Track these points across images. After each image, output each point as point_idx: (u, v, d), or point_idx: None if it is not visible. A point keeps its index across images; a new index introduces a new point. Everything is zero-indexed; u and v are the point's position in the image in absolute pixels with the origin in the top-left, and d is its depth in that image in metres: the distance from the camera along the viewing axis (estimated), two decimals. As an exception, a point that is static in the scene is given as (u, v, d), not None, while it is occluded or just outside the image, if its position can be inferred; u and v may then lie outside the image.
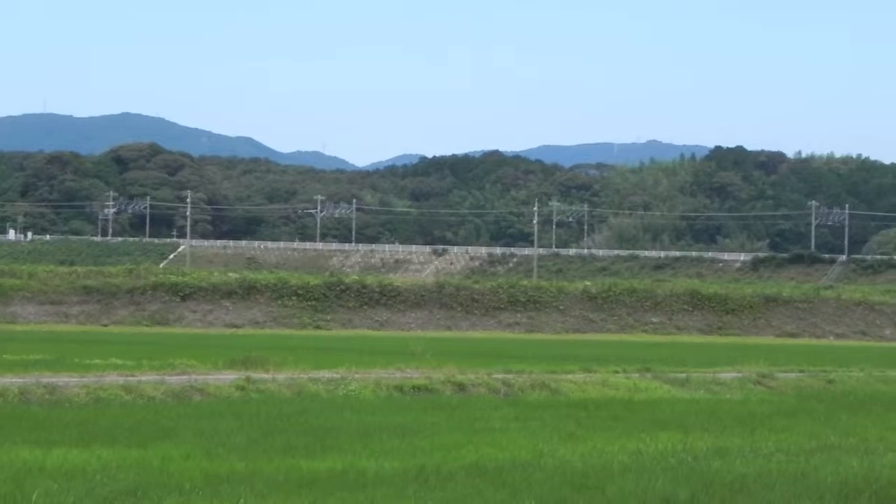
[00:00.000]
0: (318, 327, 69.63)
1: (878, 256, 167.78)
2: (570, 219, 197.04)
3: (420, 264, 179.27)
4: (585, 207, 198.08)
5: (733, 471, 15.25)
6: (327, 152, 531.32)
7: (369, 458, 15.67)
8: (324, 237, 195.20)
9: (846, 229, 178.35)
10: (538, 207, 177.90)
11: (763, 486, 14.23)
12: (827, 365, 38.33)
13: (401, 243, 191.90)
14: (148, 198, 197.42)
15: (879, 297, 79.39)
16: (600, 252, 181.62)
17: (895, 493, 14.10)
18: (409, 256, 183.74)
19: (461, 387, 27.81)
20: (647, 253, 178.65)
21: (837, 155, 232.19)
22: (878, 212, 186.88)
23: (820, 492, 13.93)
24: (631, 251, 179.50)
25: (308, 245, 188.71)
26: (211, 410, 21.98)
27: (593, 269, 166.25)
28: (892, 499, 13.96)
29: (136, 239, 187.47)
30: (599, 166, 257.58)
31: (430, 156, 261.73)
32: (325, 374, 28.12)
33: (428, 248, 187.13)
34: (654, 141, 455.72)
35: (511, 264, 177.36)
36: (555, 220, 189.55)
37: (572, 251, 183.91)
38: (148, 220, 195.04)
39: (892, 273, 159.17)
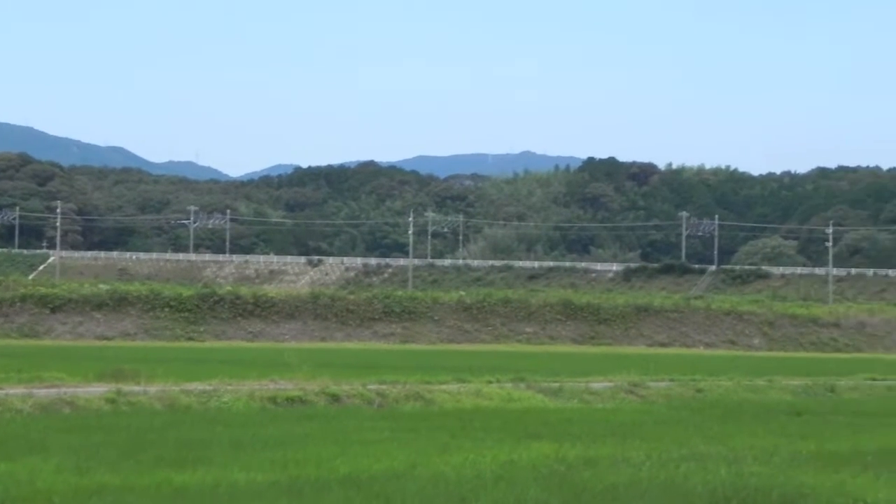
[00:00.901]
0: (191, 339, 68.98)
1: (747, 267, 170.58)
2: (446, 229, 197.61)
3: (295, 275, 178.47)
4: (460, 218, 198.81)
5: (604, 480, 15.41)
6: (201, 162, 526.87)
7: (241, 471, 15.58)
8: (197, 248, 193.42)
9: (716, 240, 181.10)
10: (413, 218, 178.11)
11: (633, 494, 14.40)
12: (697, 374, 38.90)
13: (275, 254, 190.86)
14: (17, 208, 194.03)
15: (748, 307, 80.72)
16: (475, 262, 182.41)
17: (762, 501, 14.36)
18: (283, 267, 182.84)
19: (335, 398, 27.77)
20: (521, 263, 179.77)
21: (707, 166, 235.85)
22: (746, 222, 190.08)
23: (689, 500, 14.15)
24: (505, 261, 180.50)
25: (181, 256, 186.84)
26: (81, 424, 21.68)
27: (468, 279, 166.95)
28: (752, 503, 14.23)
29: (5, 250, 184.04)
30: (474, 177, 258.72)
31: (305, 166, 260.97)
32: (198, 386, 27.89)
33: (303, 259, 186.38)
34: (529, 152, 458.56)
35: (386, 275, 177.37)
36: (430, 231, 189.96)
37: (447, 262, 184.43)
38: (17, 231, 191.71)
39: (760, 283, 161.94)
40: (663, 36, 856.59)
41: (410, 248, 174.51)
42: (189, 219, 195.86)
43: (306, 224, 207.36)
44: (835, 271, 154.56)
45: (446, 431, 21.63)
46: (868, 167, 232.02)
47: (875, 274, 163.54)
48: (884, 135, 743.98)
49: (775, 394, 35.34)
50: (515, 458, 17.73)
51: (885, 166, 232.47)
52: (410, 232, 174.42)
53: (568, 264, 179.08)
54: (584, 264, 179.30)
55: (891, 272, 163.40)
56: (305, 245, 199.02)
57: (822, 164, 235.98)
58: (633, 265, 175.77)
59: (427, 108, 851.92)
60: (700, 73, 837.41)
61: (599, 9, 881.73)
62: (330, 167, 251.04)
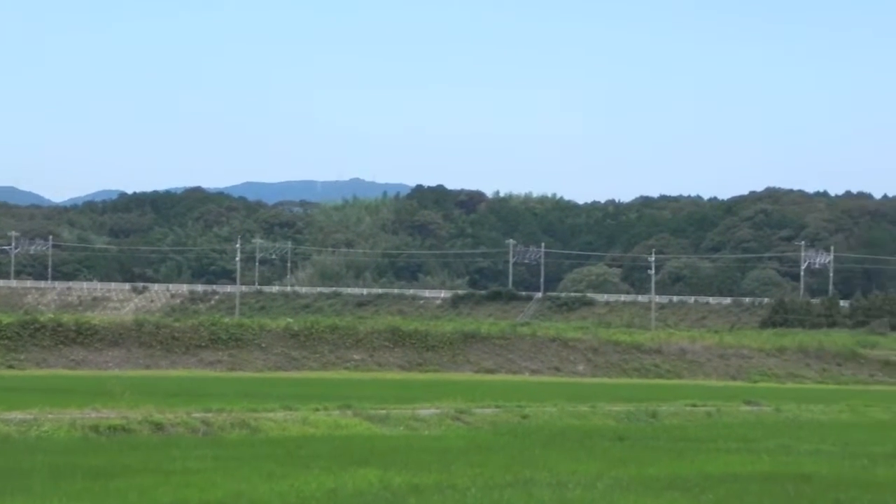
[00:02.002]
0: (10, 367, 67.31)
1: (572, 294, 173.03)
2: (274, 256, 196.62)
3: (119, 302, 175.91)
4: (289, 245, 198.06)
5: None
6: (22, 187, 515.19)
7: (61, 501, 15.29)
8: (18, 274, 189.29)
9: (542, 267, 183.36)
10: (241, 244, 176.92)
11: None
12: (522, 400, 39.22)
13: (99, 281, 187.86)
14: None
15: (573, 334, 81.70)
16: (303, 289, 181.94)
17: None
18: (107, 294, 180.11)
19: (159, 426, 27.39)
20: (349, 290, 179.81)
21: (534, 194, 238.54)
22: (572, 250, 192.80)
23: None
24: (334, 288, 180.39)
25: (2, 283, 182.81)
26: None
27: (296, 306, 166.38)
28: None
29: None
30: (303, 203, 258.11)
31: (130, 192, 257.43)
32: (17, 415, 27.26)
33: (127, 286, 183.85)
34: (358, 179, 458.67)
35: (213, 302, 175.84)
36: (258, 258, 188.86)
37: (275, 288, 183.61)
38: None
39: (585, 310, 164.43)
40: (484, 62, 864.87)
41: (238, 275, 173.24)
42: (10, 245, 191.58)
43: (131, 250, 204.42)
44: (657, 299, 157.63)
45: (272, 459, 21.50)
46: (689, 196, 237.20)
47: (696, 301, 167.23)
48: (703, 165, 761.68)
49: (599, 419, 35.83)
50: (341, 485, 17.70)
51: (705, 196, 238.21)
52: (238, 259, 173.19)
53: (396, 291, 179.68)
54: (412, 291, 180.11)
55: (711, 300, 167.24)
56: (130, 272, 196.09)
57: (645, 193, 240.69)
58: (460, 292, 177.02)
59: (255, 133, 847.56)
60: (522, 103, 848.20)
61: (422, 33, 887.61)
62: (156, 193, 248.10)
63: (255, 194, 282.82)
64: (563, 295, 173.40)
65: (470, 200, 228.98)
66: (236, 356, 70.37)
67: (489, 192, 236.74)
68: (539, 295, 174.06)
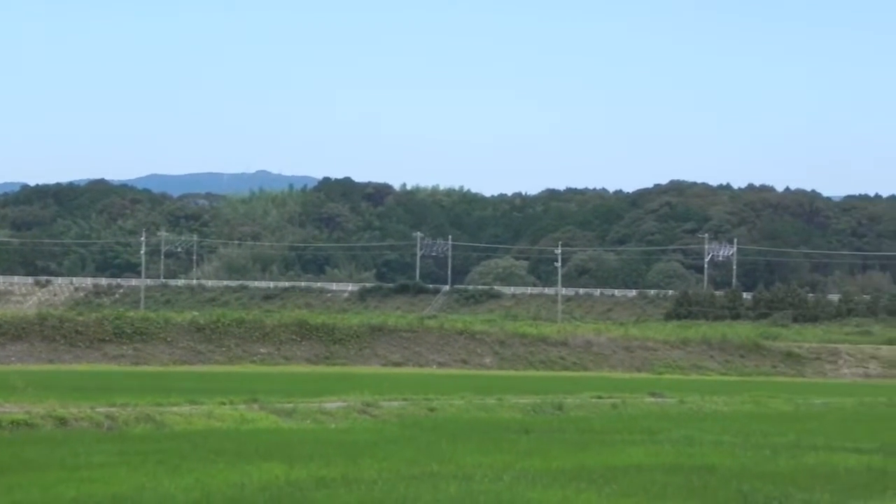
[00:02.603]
0: (-90, 362, 66.33)
1: (480, 286, 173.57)
2: (179, 249, 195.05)
3: (22, 296, 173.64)
4: (194, 238, 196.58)
5: (335, 500, 15.46)
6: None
7: (-38, 499, 15.08)
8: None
9: (449, 260, 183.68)
10: (146, 237, 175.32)
11: (364, 513, 14.49)
12: (430, 393, 39.31)
13: (1, 274, 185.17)
14: None
15: (480, 327, 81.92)
16: (209, 283, 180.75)
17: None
18: (10, 288, 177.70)
19: (63, 421, 27.09)
20: (256, 283, 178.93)
21: (442, 187, 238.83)
22: (479, 243, 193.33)
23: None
24: (240, 282, 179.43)
25: None
26: None
27: (202, 299, 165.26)
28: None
29: None
30: (209, 196, 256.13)
31: (32, 184, 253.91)
32: (-83, 411, 26.85)
33: (30, 280, 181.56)
34: (264, 171, 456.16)
35: (118, 295, 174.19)
36: (163, 251, 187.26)
37: (181, 282, 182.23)
38: None
39: (492, 302, 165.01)
40: (390, 56, 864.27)
41: (143, 269, 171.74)
42: None
43: (33, 243, 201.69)
44: (564, 291, 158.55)
45: (177, 454, 21.36)
46: (595, 189, 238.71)
47: (602, 294, 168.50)
48: (609, 158, 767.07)
49: (505, 412, 35.97)
50: (247, 479, 17.63)
51: (611, 188, 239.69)
52: (143, 252, 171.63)
53: (303, 284, 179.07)
54: (319, 284, 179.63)
55: (617, 292, 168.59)
56: (33, 265, 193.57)
57: (551, 186, 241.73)
58: (368, 285, 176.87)
59: (159, 125, 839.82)
60: (432, 94, 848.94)
61: (328, 27, 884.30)
62: (59, 185, 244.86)
63: (159, 187, 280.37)
64: (470, 288, 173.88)
65: (377, 193, 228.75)
66: (141, 350, 69.77)
67: (396, 185, 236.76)
68: (446, 288, 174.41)
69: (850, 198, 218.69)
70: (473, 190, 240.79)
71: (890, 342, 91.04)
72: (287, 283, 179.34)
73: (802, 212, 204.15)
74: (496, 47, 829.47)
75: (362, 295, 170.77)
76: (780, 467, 21.72)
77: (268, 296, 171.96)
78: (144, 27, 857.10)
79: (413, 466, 19.90)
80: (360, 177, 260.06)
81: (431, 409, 34.79)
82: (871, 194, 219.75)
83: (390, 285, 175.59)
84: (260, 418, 30.20)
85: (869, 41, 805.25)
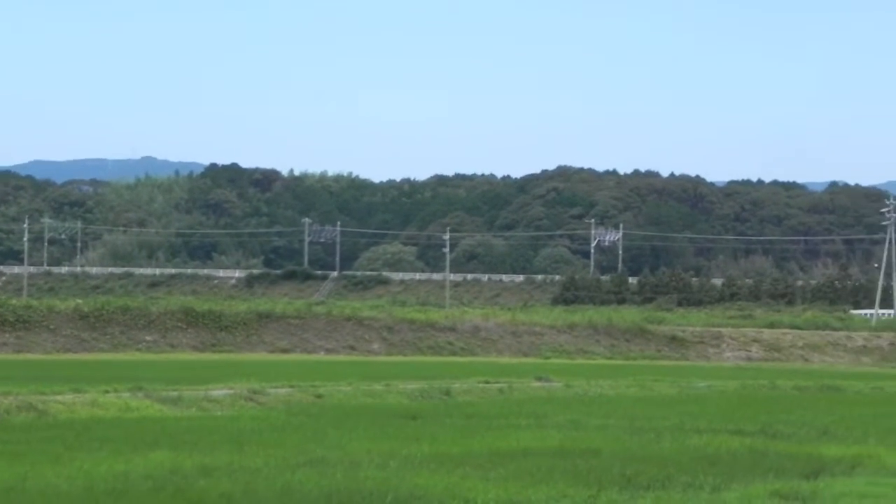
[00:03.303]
0: None
1: (368, 272, 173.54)
2: (63, 236, 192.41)
3: None
4: (79, 224, 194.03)
5: (220, 488, 15.36)
6: None
7: None
8: None
9: (338, 246, 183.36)
10: (29, 224, 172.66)
11: (249, 501, 14.43)
12: (317, 380, 39.21)
13: None
14: None
15: (368, 313, 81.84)
16: (94, 270, 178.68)
17: None
18: None
19: (-59, 412, 26.61)
20: (141, 270, 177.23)
21: (330, 173, 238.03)
22: (367, 229, 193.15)
23: (305, 504, 14.26)
24: (126, 269, 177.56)
25: None
26: None
27: (86, 287, 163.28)
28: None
29: None
30: (93, 182, 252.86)
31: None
32: None
33: None
34: (149, 157, 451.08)
35: (0, 283, 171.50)
36: (46, 238, 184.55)
37: (65, 269, 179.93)
38: None
39: (380, 288, 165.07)
40: (282, 39, 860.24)
41: (25, 256, 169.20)
42: None
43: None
44: (452, 277, 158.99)
45: (60, 443, 21.08)
46: (483, 175, 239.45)
47: (490, 279, 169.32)
48: (497, 143, 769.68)
49: (393, 398, 35.99)
50: (131, 468, 17.44)
51: (499, 174, 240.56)
52: (25, 239, 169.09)
53: (190, 271, 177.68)
54: (206, 271, 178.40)
55: (504, 277, 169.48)
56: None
57: (440, 172, 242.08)
58: (255, 272, 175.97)
59: (43, 110, 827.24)
60: (320, 79, 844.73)
61: (216, 11, 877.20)
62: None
63: (43, 173, 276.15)
64: (358, 274, 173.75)
65: (265, 179, 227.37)
66: (23, 338, 68.75)
67: (284, 171, 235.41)
68: (335, 274, 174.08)
69: (733, 183, 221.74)
70: (362, 176, 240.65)
71: (772, 326, 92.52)
72: (173, 270, 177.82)
73: (687, 197, 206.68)
74: (383, 32, 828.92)
75: (249, 282, 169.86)
76: (664, 450, 21.96)
77: (153, 283, 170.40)
78: (24, 9, 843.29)
79: (299, 454, 19.82)
80: (247, 163, 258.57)
81: (318, 396, 34.70)
82: (754, 179, 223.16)
83: (278, 272, 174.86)
84: (144, 406, 29.90)
85: (758, 33, 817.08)
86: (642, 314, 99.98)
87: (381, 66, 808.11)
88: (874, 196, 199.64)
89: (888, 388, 50.49)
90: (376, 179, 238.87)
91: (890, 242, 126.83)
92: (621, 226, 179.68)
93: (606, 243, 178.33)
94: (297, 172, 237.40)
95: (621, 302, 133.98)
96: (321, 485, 15.74)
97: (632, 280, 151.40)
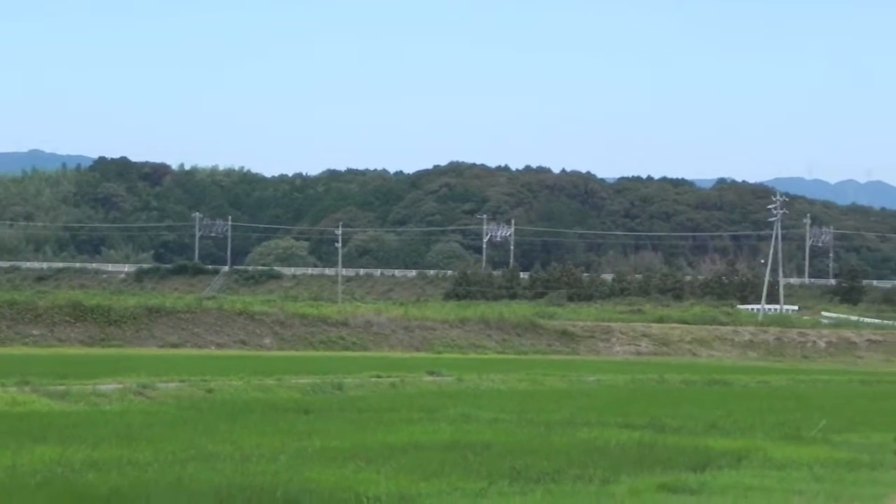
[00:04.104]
0: None
1: (259, 267, 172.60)
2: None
3: None
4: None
5: (109, 482, 15.20)
6: None
7: None
8: None
9: (229, 241, 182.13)
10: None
11: (138, 496, 14.29)
12: (207, 374, 38.96)
13: None
14: None
15: (260, 307, 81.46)
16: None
17: (267, 499, 14.55)
18: None
19: None
20: (28, 264, 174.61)
21: (221, 167, 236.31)
22: (259, 223, 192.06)
23: (195, 499, 14.17)
24: (12, 262, 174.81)
25: None
26: None
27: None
28: (264, 502, 14.42)
29: None
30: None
31: None
32: None
33: None
34: (37, 150, 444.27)
35: None
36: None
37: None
38: None
39: (272, 283, 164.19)
40: (171, 30, 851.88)
41: None
42: None
43: None
44: (344, 272, 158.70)
45: (-56, 439, 20.72)
46: (376, 170, 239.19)
47: (382, 274, 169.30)
48: (389, 138, 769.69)
49: (284, 392, 35.87)
50: (18, 462, 17.21)
51: (391, 169, 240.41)
52: None
53: (78, 265, 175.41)
54: (94, 265, 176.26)
55: (397, 272, 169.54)
56: None
57: (332, 167, 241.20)
58: (145, 266, 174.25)
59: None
60: (210, 72, 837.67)
61: (100, 4, 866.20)
62: None
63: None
64: (250, 268, 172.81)
65: (155, 173, 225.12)
66: None
67: (174, 165, 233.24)
68: (226, 269, 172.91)
69: (623, 179, 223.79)
70: (253, 170, 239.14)
71: (660, 320, 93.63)
72: (61, 264, 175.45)
73: (578, 193, 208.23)
74: (268, 27, 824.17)
75: (139, 276, 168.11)
76: (554, 443, 22.11)
77: (41, 277, 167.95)
78: None
79: (189, 448, 19.69)
80: (136, 156, 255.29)
81: (209, 391, 34.49)
82: (644, 176, 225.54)
83: (168, 266, 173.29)
84: (32, 401, 29.51)
85: (652, 32, 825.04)
86: (533, 309, 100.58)
87: (271, 60, 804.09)
88: (761, 193, 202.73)
89: (774, 382, 51.35)
90: (268, 174, 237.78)
91: (776, 239, 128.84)
92: (513, 221, 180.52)
93: (498, 239, 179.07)
94: (187, 167, 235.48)
95: (513, 297, 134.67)
96: (211, 479, 15.65)
97: (523, 275, 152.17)
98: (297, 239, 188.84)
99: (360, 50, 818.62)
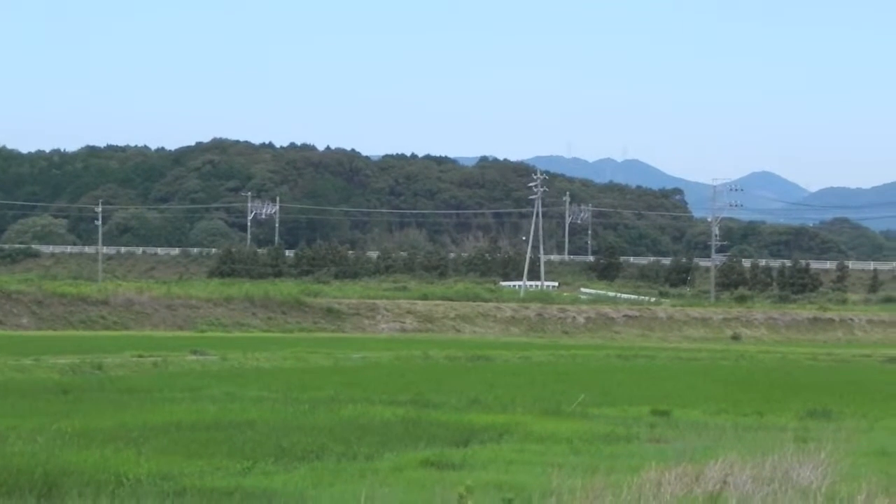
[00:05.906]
0: None
1: (16, 245, 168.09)
2: None
3: None
4: None
5: None
6: None
7: None
8: None
9: None
10: None
11: None
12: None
13: None
14: None
15: (16, 286, 79.34)
16: None
17: (25, 481, 14.26)
18: None
19: None
20: None
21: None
22: (16, 200, 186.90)
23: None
24: None
25: None
26: None
27: None
28: (22, 483, 14.11)
29: None
30: None
31: None
32: None
33: None
34: None
35: None
36: None
37: None
38: None
39: (30, 262, 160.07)
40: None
41: None
42: None
43: None
44: (105, 250, 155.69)
45: None
46: (137, 146, 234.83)
47: (144, 252, 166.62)
48: (150, 114, 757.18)
49: (42, 373, 35.10)
50: None
51: (153, 146, 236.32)
52: None
53: None
54: None
55: (160, 250, 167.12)
56: None
57: (91, 143, 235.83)
58: None
59: None
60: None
61: None
62: None
63: None
64: (6, 247, 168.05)
65: None
66: None
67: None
68: None
69: (387, 157, 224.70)
70: (9, 146, 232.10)
71: (425, 297, 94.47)
72: None
73: (343, 170, 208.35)
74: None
75: None
76: (319, 421, 22.17)
77: None
78: None
79: (-58, 432, 19.10)
80: None
81: (-37, 373, 33.51)
82: (408, 154, 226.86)
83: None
84: None
85: (405, 8, 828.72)
86: (299, 287, 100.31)
87: (31, 32, 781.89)
88: (522, 171, 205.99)
89: (535, 357, 52.38)
90: (24, 150, 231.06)
91: (537, 216, 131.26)
92: (278, 199, 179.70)
93: (263, 216, 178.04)
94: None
95: (278, 275, 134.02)
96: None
97: (289, 253, 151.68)
98: (55, 216, 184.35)
99: (119, 26, 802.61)
